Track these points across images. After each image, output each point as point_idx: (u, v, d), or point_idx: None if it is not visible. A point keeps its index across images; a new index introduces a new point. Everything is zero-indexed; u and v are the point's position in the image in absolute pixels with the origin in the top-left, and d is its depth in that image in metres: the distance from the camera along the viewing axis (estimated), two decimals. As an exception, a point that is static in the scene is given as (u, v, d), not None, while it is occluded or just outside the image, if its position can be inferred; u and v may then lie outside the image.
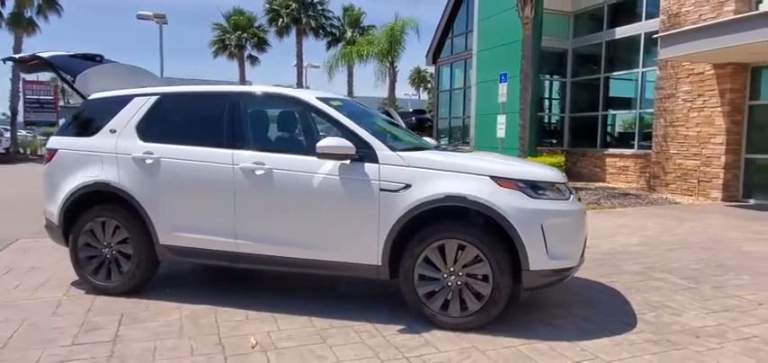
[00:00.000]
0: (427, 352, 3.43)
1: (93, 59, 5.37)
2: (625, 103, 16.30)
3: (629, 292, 4.77)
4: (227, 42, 37.65)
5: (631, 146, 15.32)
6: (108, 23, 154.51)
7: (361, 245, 3.92)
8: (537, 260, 3.67)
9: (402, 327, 3.83)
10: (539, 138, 16.95)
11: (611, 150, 15.90)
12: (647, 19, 14.76)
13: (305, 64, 39.16)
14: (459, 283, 3.79)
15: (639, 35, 15.01)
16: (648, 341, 3.63)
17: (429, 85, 64.06)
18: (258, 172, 4.11)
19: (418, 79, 73.86)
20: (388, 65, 20.42)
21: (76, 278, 4.93)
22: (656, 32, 13.53)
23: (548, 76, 18.41)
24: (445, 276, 3.81)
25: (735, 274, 5.48)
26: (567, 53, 17.72)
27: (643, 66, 14.99)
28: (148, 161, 4.38)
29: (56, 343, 3.51)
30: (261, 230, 4.14)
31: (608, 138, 16.66)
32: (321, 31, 38.70)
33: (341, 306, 4.25)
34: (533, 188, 3.78)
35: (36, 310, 4.16)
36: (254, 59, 38.67)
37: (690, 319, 4.10)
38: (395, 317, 4.00)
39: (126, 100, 4.68)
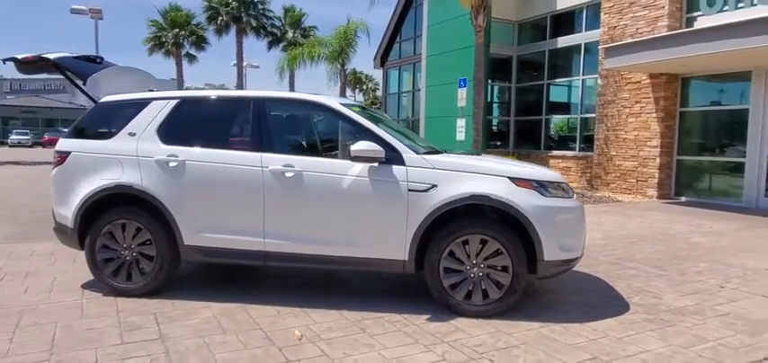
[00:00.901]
0: (461, 337, 3.78)
1: (94, 61, 5.35)
2: (567, 108, 17.42)
3: (611, 280, 5.34)
4: (164, 40, 36.46)
5: (573, 149, 16.41)
6: (39, 16, 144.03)
7: (390, 242, 4.23)
8: (550, 251, 4.12)
9: (428, 316, 4.17)
10: (487, 141, 17.76)
11: (555, 152, 16.94)
12: (587, 30, 15.87)
13: (245, 63, 38.58)
14: (480, 274, 4.18)
15: (580, 45, 16.12)
16: (645, 320, 4.17)
17: (364, 87, 64.64)
18: (288, 175, 4.31)
19: (354, 81, 74.35)
20: (339, 67, 20.63)
21: (85, 280, 4.94)
22: (596, 43, 14.64)
23: (494, 81, 19.29)
24: (468, 268, 4.19)
25: (692, 262, 6.22)
26: (511, 59, 18.67)
27: (583, 74, 16.10)
28: (172, 164, 4.46)
29: (104, 343, 3.58)
30: (290, 229, 4.35)
31: (551, 141, 17.72)
32: (262, 31, 38.31)
33: (364, 300, 4.52)
34: (545, 187, 4.24)
35: (62, 313, 4.14)
36: (191, 58, 37.68)
37: (671, 300, 4.70)
38: (418, 308, 4.33)
39: (143, 103, 4.73)
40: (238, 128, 4.66)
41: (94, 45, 23.46)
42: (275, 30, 38.83)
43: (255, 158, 4.39)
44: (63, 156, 4.71)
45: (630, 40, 12.39)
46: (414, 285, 4.95)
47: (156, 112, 4.65)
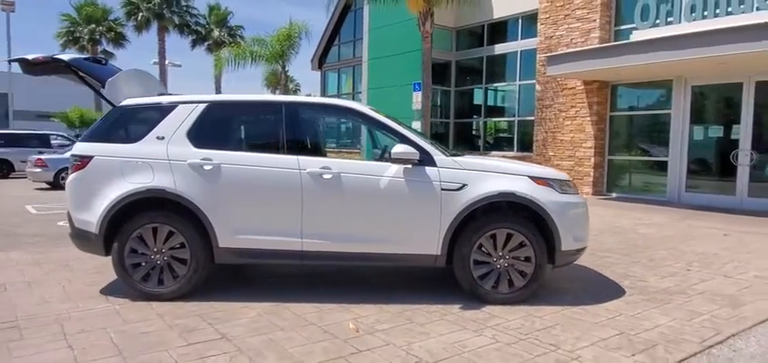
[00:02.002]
0: (500, 321, 4.18)
1: (100, 63, 5.23)
2: (504, 112, 18.45)
3: (598, 268, 5.97)
4: (78, 35, 34.28)
5: (511, 150, 17.43)
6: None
7: (424, 238, 4.54)
8: (566, 242, 4.62)
9: (460, 305, 4.53)
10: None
11: (493, 153, 17.90)
12: (522, 38, 16.95)
13: (167, 62, 37.03)
14: (506, 265, 4.60)
15: (517, 52, 17.17)
16: (644, 300, 4.77)
17: (286, 87, 63.83)
18: (325, 176, 4.51)
19: (275, 81, 73.32)
20: (279, 68, 20.50)
21: (96, 286, 4.92)
22: (532, 51, 15.70)
23: (434, 85, 19.98)
24: (495, 260, 4.59)
25: (653, 250, 7.03)
26: (451, 64, 19.47)
27: (520, 80, 17.17)
28: (207, 167, 4.51)
29: (171, 345, 3.62)
30: (328, 229, 4.54)
31: (489, 143, 18.69)
32: (185, 29, 37.00)
33: (395, 294, 4.80)
34: (559, 185, 4.74)
35: (103, 320, 4.09)
36: (109, 55, 35.53)
37: (655, 283, 5.38)
38: (446, 298, 4.67)
39: (169, 107, 4.73)
40: (270, 131, 4.78)
41: (6, 39, 21.71)
42: (199, 28, 37.62)
43: (292, 161, 4.54)
44: (84, 161, 4.61)
45: (571, 50, 13.44)
46: (426, 278, 5.30)
47: (185, 116, 4.67)
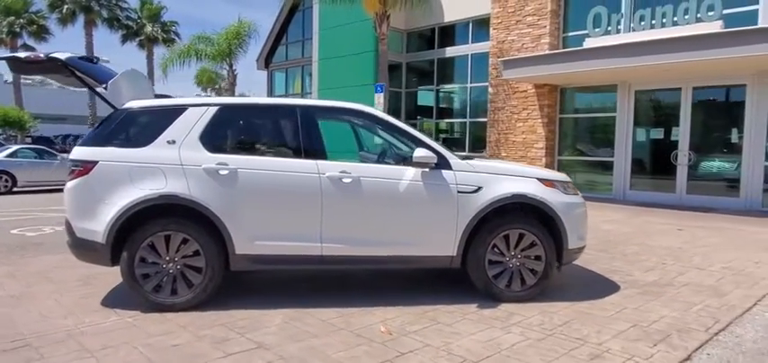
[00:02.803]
0: (520, 318, 4.34)
1: (91, 61, 4.95)
2: (456, 113, 18.90)
3: (583, 263, 6.28)
4: (-5, 28, 31.69)
5: (463, 151, 17.88)
6: None
7: (441, 239, 4.64)
8: (572, 241, 4.87)
9: (477, 304, 4.66)
10: (383, 143, 18.59)
11: (445, 153, 18.28)
12: (473, 42, 17.45)
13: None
14: (518, 264, 4.78)
15: (467, 55, 17.66)
16: (639, 294, 5.10)
17: (217, 86, 62.19)
18: (345, 180, 4.51)
19: (207, 79, 71.01)
20: (226, 67, 19.95)
21: (91, 299, 4.69)
22: (484, 54, 16.21)
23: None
24: (508, 259, 4.77)
25: (623, 246, 7.50)
26: (401, 66, 19.71)
27: (471, 82, 17.66)
28: (223, 172, 4.39)
29: (209, 357, 3.51)
30: (348, 233, 4.54)
31: (441, 143, 19.05)
32: (115, 23, 35.19)
33: (409, 296, 4.86)
34: (563, 186, 4.98)
35: (123, 334, 3.89)
36: (30, 50, 33.13)
37: (641, 277, 5.75)
38: (459, 298, 4.79)
39: (178, 110, 4.56)
40: (285, 135, 4.71)
41: None
42: (131, 23, 35.90)
43: (311, 165, 4.50)
44: (87, 166, 4.35)
45: (528, 55, 14.00)
46: (430, 279, 5.41)
47: (196, 119, 4.51)
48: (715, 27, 10.56)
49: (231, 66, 20.00)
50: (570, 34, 14.45)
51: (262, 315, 4.33)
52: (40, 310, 4.43)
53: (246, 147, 4.63)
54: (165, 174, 4.35)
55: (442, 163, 4.66)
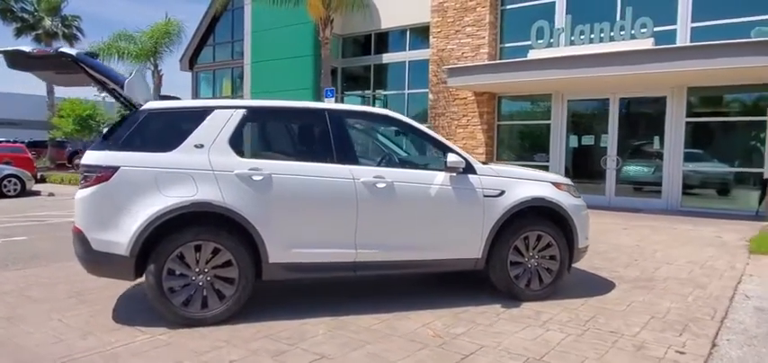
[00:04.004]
0: (548, 316, 4.54)
1: (94, 57, 4.55)
2: (391, 119, 19.12)
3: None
4: None
5: (401, 155, 18.16)
6: None
7: (469, 242, 4.75)
8: (581, 241, 5.17)
9: (500, 304, 4.81)
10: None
11: (383, 158, 18.48)
12: (411, 49, 17.81)
13: (-17, 52, 31.54)
14: (536, 264, 5.00)
15: (405, 62, 17.98)
16: (636, 288, 5.51)
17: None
18: (379, 185, 4.48)
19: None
20: (151, 67, 18.81)
21: (107, 314, 4.31)
22: (422, 62, 16.63)
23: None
24: (526, 260, 4.97)
25: (593, 245, 7.97)
26: (337, 71, 19.64)
27: (408, 89, 17.99)
28: (256, 178, 4.21)
29: (278, 370, 3.36)
30: (382, 239, 4.52)
31: (377, 148, 19.23)
32: (8, 15, 31.85)
33: (433, 298, 4.91)
34: (572, 189, 5.28)
35: (167, 353, 3.63)
36: None
37: (626, 273, 6.20)
38: (480, 299, 4.92)
39: (203, 112, 4.31)
40: (316, 139, 4.59)
41: None
42: (26, 16, 32.66)
43: (345, 170, 4.43)
44: (106, 173, 3.99)
45: (476, 63, 14.53)
46: (441, 281, 5.50)
47: (223, 123, 4.29)
48: (647, 44, 11.59)
49: (156, 66, 18.88)
50: (507, 45, 15.19)
51: (300, 325, 4.20)
52: (49, 332, 3.99)
53: (276, 152, 4.48)
54: (195, 180, 4.09)
55: (468, 168, 4.77)
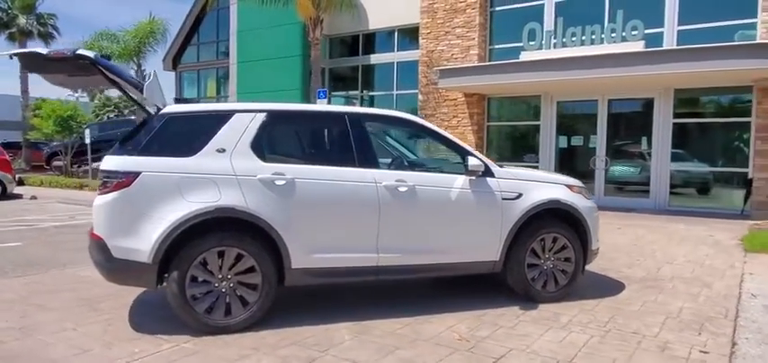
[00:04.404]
0: (567, 318, 4.58)
1: (109, 59, 4.44)
2: (380, 119, 19.11)
3: (573, 263, 6.74)
4: None
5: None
6: None
7: (488, 245, 4.77)
8: (594, 242, 5.24)
9: (519, 306, 4.84)
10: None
11: (372, 159, 18.44)
12: (399, 50, 17.82)
13: (-46, 51, 30.58)
14: (551, 266, 5.04)
15: (393, 63, 17.98)
16: (646, 288, 5.59)
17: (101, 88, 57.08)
18: (401, 189, 4.47)
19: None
20: (134, 66, 18.45)
21: (120, 322, 4.20)
22: (411, 62, 16.67)
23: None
24: (542, 262, 5.01)
25: (588, 245, 8.11)
26: (324, 72, 19.53)
27: (397, 90, 17.99)
28: (279, 182, 4.16)
29: (314, 378, 3.33)
30: (403, 243, 4.51)
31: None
32: (-20, 13, 30.95)
33: (452, 303, 4.91)
34: (584, 191, 5.34)
35: (201, 361, 3.55)
36: None
37: (632, 273, 6.29)
38: (497, 301, 4.94)
39: (224, 116, 4.25)
40: (337, 143, 4.55)
41: None
42: (0, 14, 31.80)
43: (367, 174, 4.41)
44: (128, 178, 3.90)
45: (467, 65, 14.59)
46: (452, 285, 5.51)
47: (244, 126, 4.23)
48: (638, 46, 11.79)
49: (139, 66, 18.54)
50: (496, 47, 15.31)
51: (324, 330, 4.16)
52: (69, 343, 3.88)
53: (298, 156, 4.44)
54: (218, 185, 4.03)
55: (487, 171, 4.79)
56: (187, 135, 4.15)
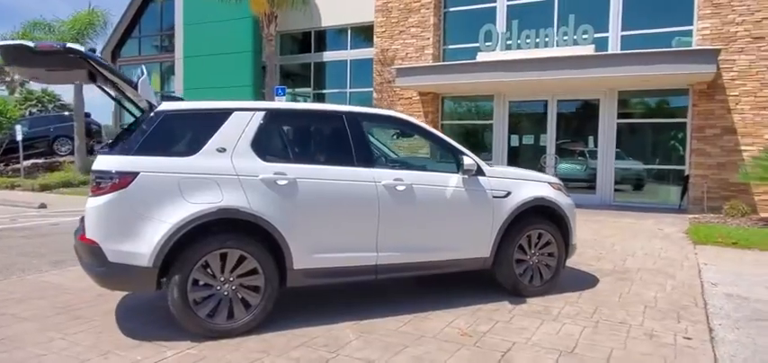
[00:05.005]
0: (556, 311, 4.78)
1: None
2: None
3: (544, 257, 7.01)
4: None
5: (343, 154, 18.10)
6: None
7: (480, 242, 4.90)
8: (574, 238, 5.48)
9: (508, 301, 5.00)
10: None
11: (325, 157, 18.32)
12: (353, 48, 17.80)
13: None
14: (537, 261, 5.24)
15: (347, 61, 17.94)
16: (618, 280, 5.91)
17: (7, 79, 53.49)
18: (399, 188, 4.51)
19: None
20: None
21: (112, 330, 4.01)
22: (365, 61, 16.71)
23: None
24: (529, 257, 5.19)
25: (552, 240, 8.45)
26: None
27: (350, 87, 17.97)
28: (281, 182, 4.09)
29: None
30: (401, 241, 4.55)
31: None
32: None
33: (443, 299, 5.01)
34: (563, 188, 5.57)
35: (204, 367, 3.45)
36: None
37: (602, 266, 6.62)
38: (487, 297, 5.07)
39: (222, 114, 4.13)
40: (336, 142, 4.51)
41: None
42: None
43: (367, 173, 4.42)
44: (125, 178, 3.72)
45: (426, 64, 14.76)
46: (439, 282, 5.61)
47: (244, 125, 4.13)
48: (589, 50, 12.36)
49: (78, 58, 17.46)
50: (450, 47, 15.61)
51: (328, 331, 4.15)
52: (63, 354, 3.66)
53: (297, 155, 4.38)
54: (220, 186, 3.92)
55: (478, 170, 4.91)
56: (185, 133, 4.02)
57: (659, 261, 6.97)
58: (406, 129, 5.12)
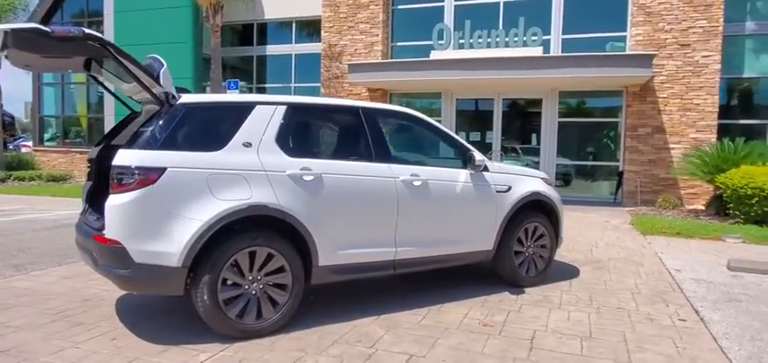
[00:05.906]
0: (556, 299, 5.04)
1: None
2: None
3: (519, 250, 7.32)
4: None
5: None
6: None
7: (485, 236, 5.06)
8: (562, 230, 5.79)
9: (508, 291, 5.20)
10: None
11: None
12: (298, 42, 17.54)
13: None
14: (532, 253, 5.48)
15: (291, 55, 17.65)
16: (595, 270, 6.29)
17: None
18: (416, 183, 4.57)
19: None
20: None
21: (138, 333, 3.82)
22: (311, 55, 16.56)
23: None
24: (525, 249, 5.43)
25: (517, 233, 8.83)
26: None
27: (295, 82, 17.69)
28: (307, 178, 4.03)
29: (387, 373, 3.33)
30: (418, 236, 4.61)
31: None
32: None
33: (447, 292, 5.13)
34: (551, 183, 5.86)
35: (248, 369, 3.34)
36: None
37: (576, 257, 7.01)
38: (489, 289, 5.26)
39: (246, 108, 4.00)
40: (355, 138, 4.47)
41: None
42: None
43: (386, 169, 4.44)
44: (152, 175, 3.51)
45: (377, 61, 14.81)
46: (436, 276, 5.74)
47: (267, 119, 4.02)
48: (538, 51, 12.95)
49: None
50: (398, 44, 15.80)
51: (354, 327, 4.14)
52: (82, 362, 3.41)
53: (319, 150, 4.32)
54: (248, 182, 3.79)
55: (484, 166, 5.07)
56: (210, 128, 3.85)
57: (622, 250, 7.49)
58: (421, 127, 5.14)
